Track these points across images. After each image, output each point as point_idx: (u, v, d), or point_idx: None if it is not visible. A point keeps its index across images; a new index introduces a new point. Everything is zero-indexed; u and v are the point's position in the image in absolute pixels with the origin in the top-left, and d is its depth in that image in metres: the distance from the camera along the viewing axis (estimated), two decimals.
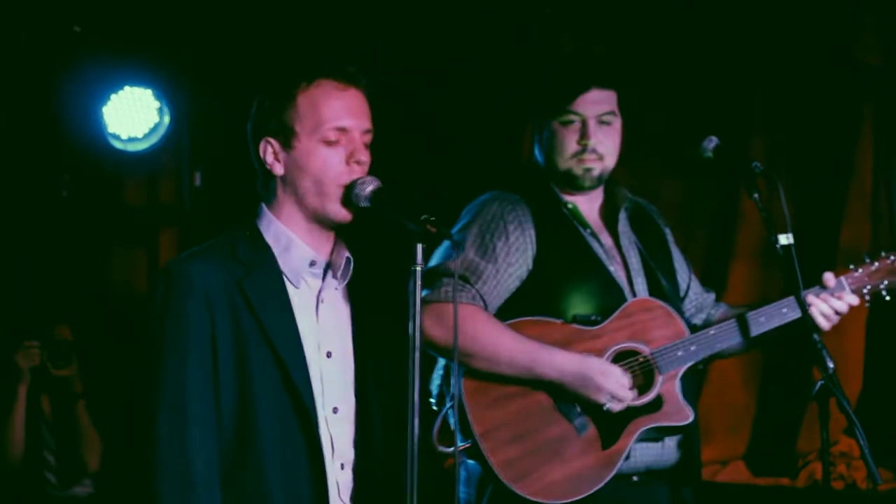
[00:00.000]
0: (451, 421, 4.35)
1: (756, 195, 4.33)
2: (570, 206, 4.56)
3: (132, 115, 6.90)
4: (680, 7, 6.80)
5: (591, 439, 4.37)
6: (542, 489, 4.33)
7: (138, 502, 3.38)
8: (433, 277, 4.40)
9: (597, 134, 4.49)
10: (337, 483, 3.50)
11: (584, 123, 4.49)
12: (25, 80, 6.98)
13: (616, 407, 4.33)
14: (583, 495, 4.33)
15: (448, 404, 4.41)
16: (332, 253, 3.58)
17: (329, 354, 3.52)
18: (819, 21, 6.71)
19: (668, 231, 4.78)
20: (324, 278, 3.56)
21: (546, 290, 4.47)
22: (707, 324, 4.65)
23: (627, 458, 4.40)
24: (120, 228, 7.23)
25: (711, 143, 4.48)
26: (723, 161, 4.50)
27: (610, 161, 4.54)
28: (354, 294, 3.62)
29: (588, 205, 4.62)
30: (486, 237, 4.49)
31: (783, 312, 4.45)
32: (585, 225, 4.56)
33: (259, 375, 3.42)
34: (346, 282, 3.58)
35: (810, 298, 4.45)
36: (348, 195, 3.46)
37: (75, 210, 7.25)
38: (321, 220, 3.52)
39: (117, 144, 6.89)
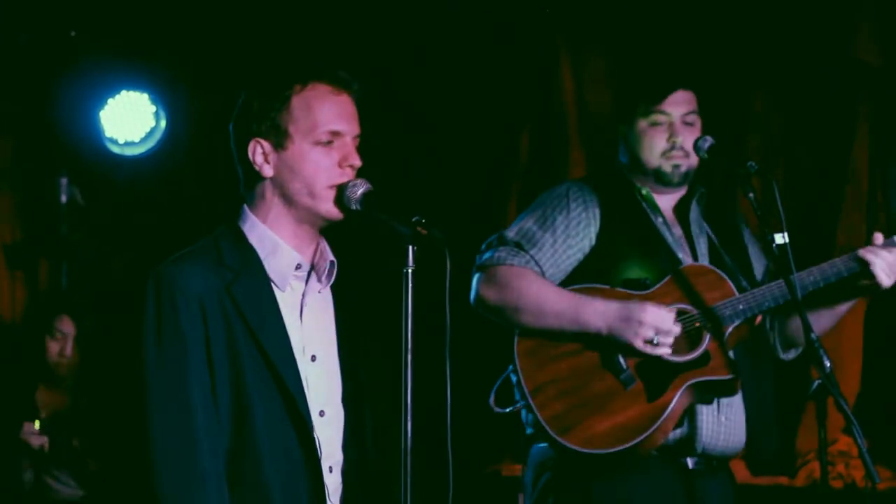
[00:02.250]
0: (514, 380, 4.50)
1: (751, 194, 4.34)
2: (644, 192, 4.65)
3: (129, 119, 6.91)
4: (676, 6, 6.80)
5: (636, 393, 4.42)
6: (588, 439, 4.40)
7: None
8: (492, 245, 4.60)
9: (683, 132, 4.61)
10: (326, 486, 3.48)
11: (671, 123, 4.62)
12: (23, 85, 6.99)
13: (665, 340, 4.37)
14: (626, 445, 4.38)
15: (510, 368, 4.52)
16: (315, 255, 3.56)
17: (314, 358, 3.51)
18: (816, 19, 6.71)
19: (747, 232, 4.83)
20: (307, 281, 3.55)
21: (607, 268, 4.57)
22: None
23: (688, 429, 4.44)
24: (116, 230, 7.25)
25: (706, 142, 4.51)
26: (718, 160, 4.53)
27: (695, 159, 4.63)
28: (340, 296, 3.61)
29: (666, 201, 4.71)
30: (547, 211, 4.62)
31: (836, 271, 4.46)
32: (658, 212, 4.63)
33: (252, 380, 3.40)
34: (329, 284, 3.57)
35: (867, 254, 4.44)
36: (339, 197, 3.44)
37: (74, 212, 7.27)
38: (311, 221, 3.50)
39: (114, 149, 6.91)
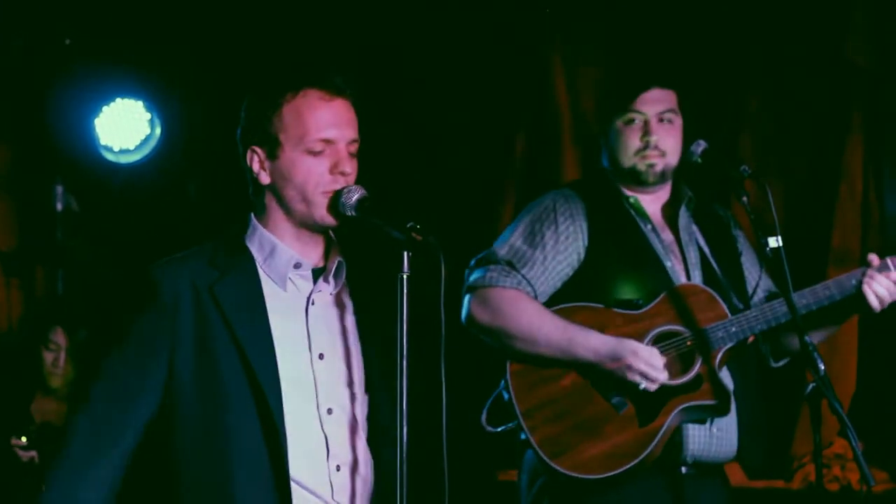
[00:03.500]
0: (505, 398, 4.49)
1: (744, 198, 4.35)
2: (632, 199, 4.64)
3: (124, 126, 6.92)
4: (670, 9, 6.81)
5: (628, 417, 4.42)
6: (579, 464, 4.40)
7: None
8: (482, 263, 4.57)
9: (658, 131, 4.57)
10: (331, 484, 3.48)
11: (646, 122, 4.58)
12: (17, 93, 7.00)
13: (650, 387, 4.37)
14: (618, 471, 4.38)
15: (501, 385, 4.51)
16: (324, 257, 3.58)
17: (321, 356, 3.51)
18: (809, 22, 6.71)
19: (739, 234, 4.80)
20: (316, 282, 3.56)
21: (598, 281, 4.55)
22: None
23: (673, 439, 4.43)
24: (111, 238, 7.25)
25: (699, 146, 4.50)
26: (711, 164, 4.52)
27: (672, 158, 4.60)
28: (357, 297, 3.62)
29: (653, 204, 4.68)
30: (535, 227, 4.59)
31: (828, 294, 4.45)
32: (647, 219, 4.62)
33: (229, 379, 3.42)
34: (339, 285, 3.58)
35: (860, 279, 4.43)
36: (335, 204, 3.46)
37: (70, 220, 7.28)
38: (308, 226, 3.52)
39: (109, 156, 6.91)
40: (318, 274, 3.57)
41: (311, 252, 3.56)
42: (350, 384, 3.55)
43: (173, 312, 3.43)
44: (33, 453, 6.25)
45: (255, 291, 3.48)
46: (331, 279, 3.56)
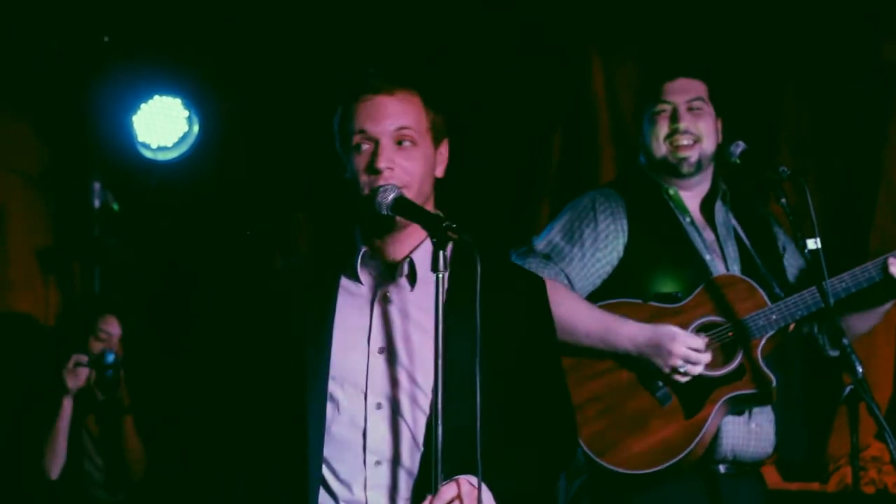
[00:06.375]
0: None
1: (783, 200, 4.35)
2: (671, 191, 4.65)
3: (162, 124, 6.94)
4: (706, 9, 6.79)
5: (673, 410, 4.45)
6: (626, 460, 4.42)
7: None
8: (520, 256, 4.61)
9: (686, 118, 4.62)
10: (365, 478, 3.49)
11: (674, 110, 4.63)
12: (55, 90, 7.02)
13: (693, 370, 4.35)
14: (666, 464, 4.41)
15: None
16: (408, 253, 3.60)
17: (381, 350, 3.53)
18: (847, 22, 6.69)
19: (780, 231, 4.83)
20: (397, 277, 3.59)
21: (637, 275, 4.58)
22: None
23: (715, 437, 4.44)
24: (149, 235, 7.27)
25: (738, 147, 4.51)
26: (749, 165, 4.51)
27: (707, 144, 4.64)
28: (458, 302, 3.50)
29: (692, 200, 4.70)
30: (574, 224, 4.63)
31: (868, 276, 4.47)
32: (685, 212, 4.63)
33: (279, 365, 3.56)
34: (417, 284, 3.58)
35: (892, 260, 4.45)
36: (371, 203, 3.49)
37: (107, 217, 7.30)
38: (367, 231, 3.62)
39: (147, 153, 6.93)
40: (400, 269, 3.62)
41: (394, 248, 3.60)
42: (411, 382, 3.53)
43: (263, 303, 3.65)
44: (87, 373, 6.13)
45: (329, 283, 3.60)
46: (404, 277, 3.59)
